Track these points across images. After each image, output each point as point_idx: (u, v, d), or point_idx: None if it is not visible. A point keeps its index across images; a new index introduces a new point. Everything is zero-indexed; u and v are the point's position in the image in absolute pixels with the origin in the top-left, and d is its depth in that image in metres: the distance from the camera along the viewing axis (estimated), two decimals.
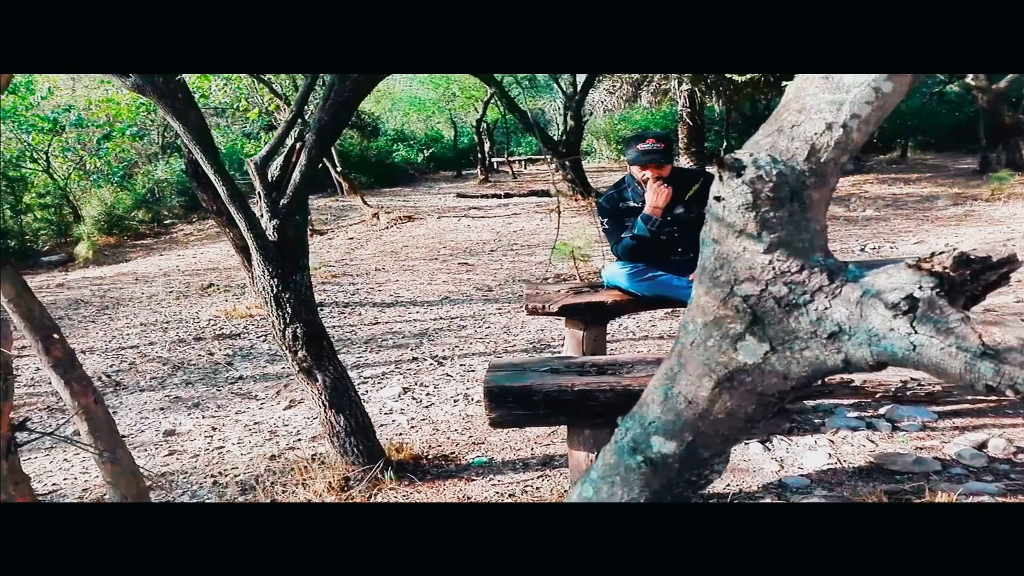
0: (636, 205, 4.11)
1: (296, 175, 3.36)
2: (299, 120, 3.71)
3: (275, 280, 3.36)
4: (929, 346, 0.99)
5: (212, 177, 3.32)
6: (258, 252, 3.33)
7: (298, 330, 3.38)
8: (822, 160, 1.09)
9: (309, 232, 12.02)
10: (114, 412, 4.70)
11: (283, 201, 3.38)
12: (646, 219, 3.96)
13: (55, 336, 1.78)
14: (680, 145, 17.53)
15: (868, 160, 18.46)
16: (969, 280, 1.02)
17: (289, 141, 3.59)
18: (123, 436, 4.23)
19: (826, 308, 1.09)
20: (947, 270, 1.00)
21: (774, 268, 1.11)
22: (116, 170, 16.67)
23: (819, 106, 1.08)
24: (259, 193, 3.38)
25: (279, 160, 3.47)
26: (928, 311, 0.99)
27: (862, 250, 8.97)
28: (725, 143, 22.10)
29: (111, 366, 5.90)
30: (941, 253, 1.03)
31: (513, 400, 2.86)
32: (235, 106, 15.62)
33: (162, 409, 4.85)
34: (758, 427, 1.38)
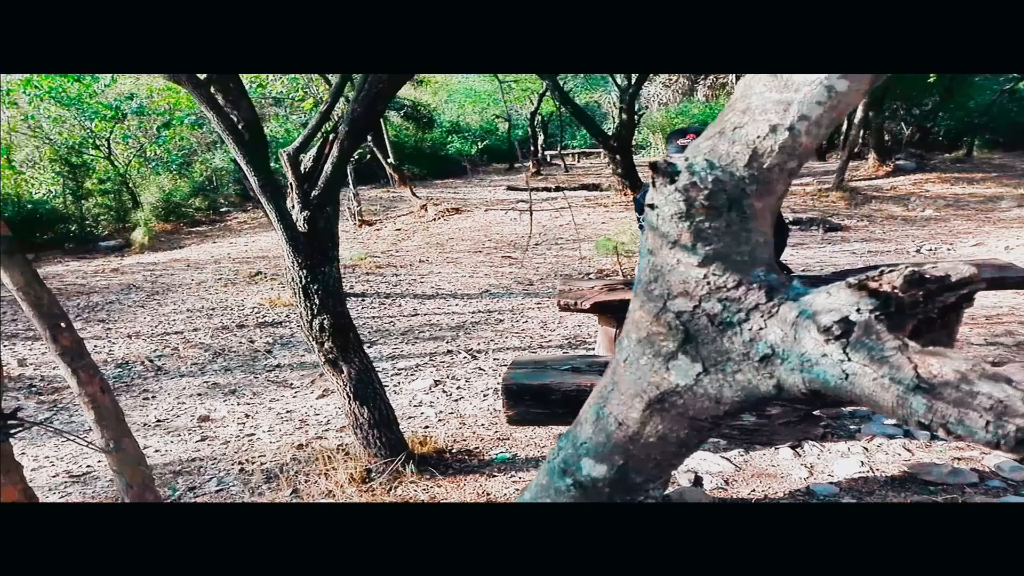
0: None
1: (328, 167, 3.36)
2: (333, 112, 3.72)
3: (304, 271, 3.38)
4: (862, 375, 0.89)
5: (244, 167, 3.35)
6: (287, 243, 3.35)
7: (325, 321, 3.39)
8: (765, 166, 0.98)
9: (358, 223, 12.15)
10: (153, 397, 4.81)
11: (314, 193, 3.38)
12: None
13: (62, 325, 1.80)
14: None
15: (931, 159, 17.88)
16: (922, 301, 0.92)
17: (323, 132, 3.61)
18: (159, 421, 4.34)
19: (761, 328, 0.99)
20: (896, 290, 0.91)
21: (709, 283, 1.01)
22: (175, 158, 17.03)
23: (765, 106, 0.98)
24: (291, 184, 3.39)
25: (312, 151, 3.48)
26: (863, 336, 0.89)
27: (918, 251, 8.70)
28: None
29: (155, 351, 6.03)
30: (891, 271, 0.93)
31: (531, 398, 2.83)
32: (291, 96, 15.85)
33: (199, 395, 4.93)
34: (693, 452, 1.31)
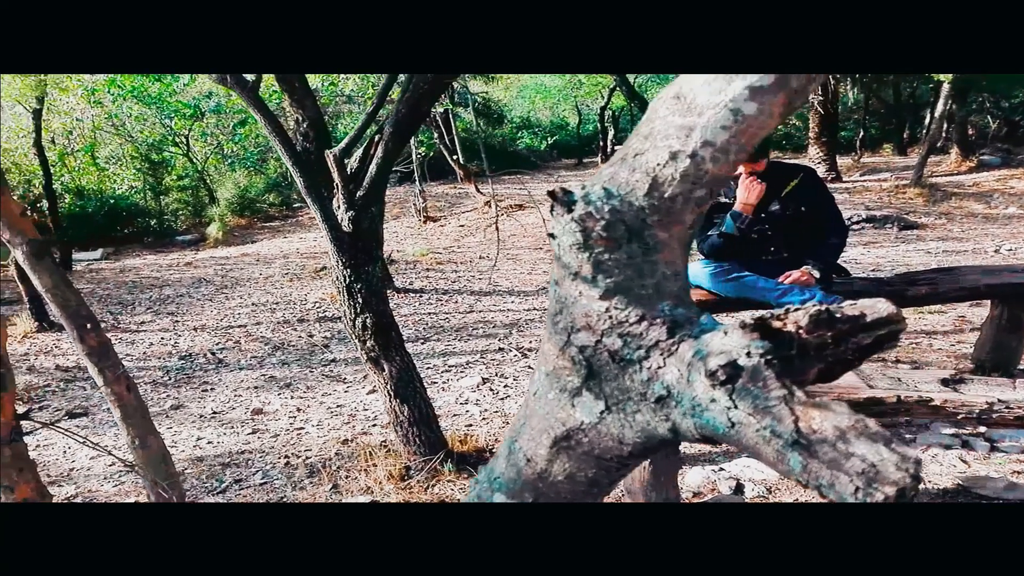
0: (727, 201, 3.92)
1: (373, 168, 3.40)
2: (379, 113, 3.76)
3: (348, 270, 3.43)
4: (747, 425, 0.82)
5: (290, 168, 3.42)
6: (332, 243, 3.40)
7: (367, 320, 3.44)
8: (666, 195, 0.92)
9: (423, 219, 12.28)
10: (212, 389, 4.96)
11: (359, 193, 3.43)
12: (735, 216, 3.77)
13: (88, 326, 1.86)
14: (811, 135, 16.74)
15: (1019, 153, 17.07)
16: (831, 343, 0.85)
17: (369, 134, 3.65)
18: (214, 412, 4.46)
19: (659, 367, 0.92)
20: (801, 330, 0.84)
21: (611, 317, 0.95)
22: (251, 154, 17.52)
23: (667, 131, 0.91)
24: (337, 185, 3.44)
25: (358, 152, 3.52)
26: (749, 383, 0.81)
27: (996, 251, 8.32)
28: (862, 133, 21.01)
29: (217, 344, 6.22)
30: (797, 310, 0.86)
31: None
32: (361, 93, 16.10)
33: (256, 388, 5.06)
34: (607, 492, 1.25)
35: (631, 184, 0.92)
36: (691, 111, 0.88)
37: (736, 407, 0.81)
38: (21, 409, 4.97)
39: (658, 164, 0.90)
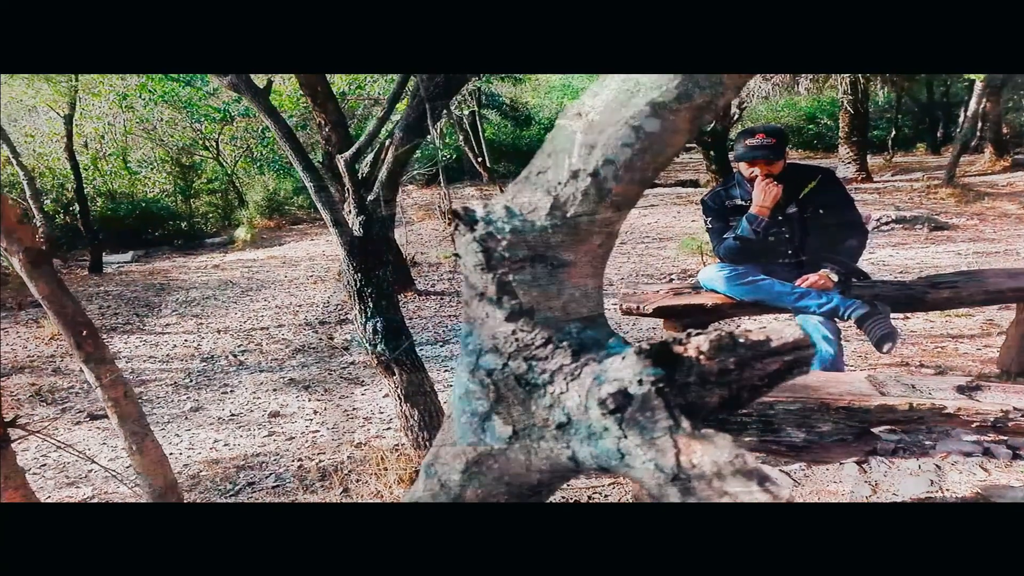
0: (744, 203, 3.88)
1: (383, 172, 3.41)
2: (390, 118, 3.76)
3: (359, 275, 3.44)
4: (635, 457, 0.78)
5: (300, 172, 3.44)
6: (343, 247, 3.41)
7: (378, 324, 3.45)
8: (568, 215, 0.88)
9: (448, 221, 12.28)
10: (231, 391, 5.00)
11: (370, 198, 3.44)
12: (751, 219, 3.73)
13: (85, 332, 1.88)
14: (841, 134, 16.53)
15: None
16: (734, 369, 0.82)
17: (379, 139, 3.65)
18: (232, 415, 4.50)
19: (562, 392, 0.89)
20: (703, 356, 0.81)
21: (517, 339, 0.92)
22: (280, 158, 17.64)
23: (569, 149, 0.89)
24: (347, 189, 3.45)
25: (369, 157, 3.53)
26: (638, 413, 0.78)
27: None
28: (894, 132, 20.69)
29: (239, 346, 6.27)
30: (699, 334, 0.83)
31: None
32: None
33: (274, 390, 5.09)
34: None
35: (533, 204, 0.90)
36: (592, 128, 0.86)
37: (626, 437, 0.78)
38: (36, 412, 5.07)
39: (559, 183, 0.88)
